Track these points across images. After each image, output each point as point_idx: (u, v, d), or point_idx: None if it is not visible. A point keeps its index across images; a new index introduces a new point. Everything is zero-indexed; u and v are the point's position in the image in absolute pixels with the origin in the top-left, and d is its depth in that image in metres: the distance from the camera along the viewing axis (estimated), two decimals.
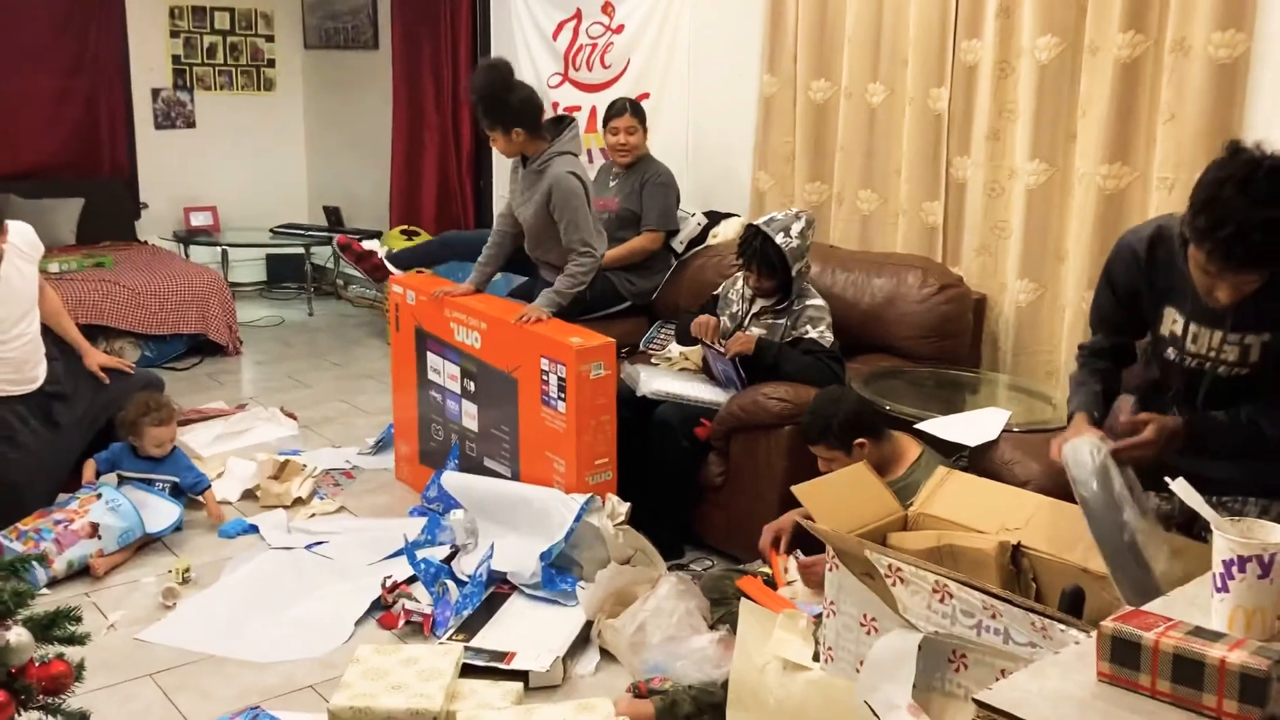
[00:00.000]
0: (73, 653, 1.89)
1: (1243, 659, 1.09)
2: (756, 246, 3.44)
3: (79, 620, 1.89)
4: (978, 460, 2.93)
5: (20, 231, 3.71)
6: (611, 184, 4.56)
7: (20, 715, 1.74)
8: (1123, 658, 1.16)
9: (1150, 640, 1.15)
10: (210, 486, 3.83)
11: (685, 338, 3.74)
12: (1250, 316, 1.99)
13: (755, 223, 3.53)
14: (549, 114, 3.98)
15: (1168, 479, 1.57)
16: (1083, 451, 2.04)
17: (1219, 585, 1.28)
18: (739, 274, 3.63)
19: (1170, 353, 2.14)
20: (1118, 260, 2.22)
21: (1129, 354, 2.35)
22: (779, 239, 3.39)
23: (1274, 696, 1.10)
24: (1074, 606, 1.95)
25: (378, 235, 6.84)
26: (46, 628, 1.79)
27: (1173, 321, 2.12)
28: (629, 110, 4.49)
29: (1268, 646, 1.14)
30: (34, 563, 1.90)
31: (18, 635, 1.68)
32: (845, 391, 3.08)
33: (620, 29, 5.16)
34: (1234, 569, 1.26)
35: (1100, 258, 3.41)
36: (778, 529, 3.01)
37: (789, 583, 2.88)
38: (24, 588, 1.72)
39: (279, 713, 2.66)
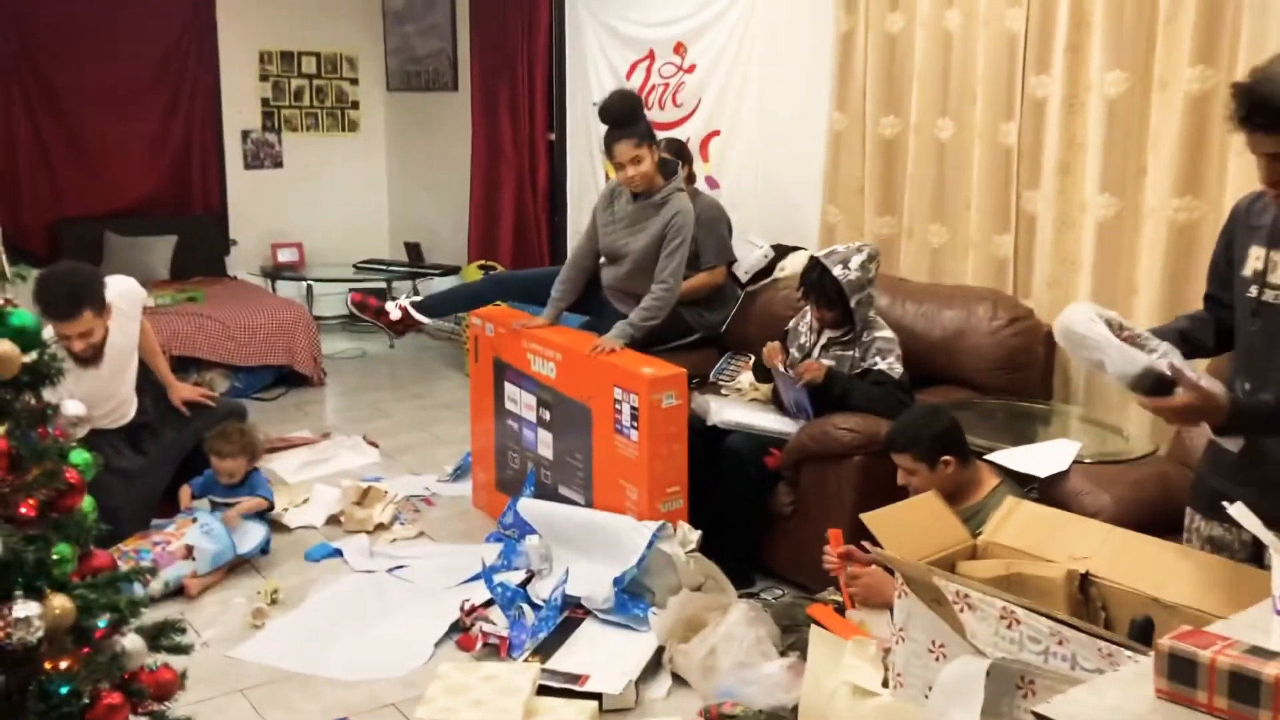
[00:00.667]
0: (175, 664, 2.01)
1: None
2: (814, 278, 3.50)
3: (183, 632, 2.01)
4: (1048, 491, 2.94)
5: (121, 290, 3.83)
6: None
7: (130, 719, 1.86)
8: (1180, 675, 1.20)
9: (1207, 658, 1.18)
10: (270, 504, 3.92)
11: (762, 372, 3.80)
12: None
13: (816, 254, 3.60)
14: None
15: (1225, 504, 1.60)
16: (1077, 309, 2.07)
17: (1279, 607, 1.31)
18: (808, 307, 3.69)
19: (1252, 291, 2.10)
20: (1235, 207, 2.24)
21: (1227, 308, 2.29)
22: (836, 271, 3.45)
23: None
24: (1143, 636, 1.96)
25: (456, 270, 7.02)
26: (154, 637, 1.91)
27: (1256, 258, 2.10)
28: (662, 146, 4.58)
29: None
30: (133, 581, 2.01)
31: (133, 641, 1.81)
32: (940, 409, 3.09)
33: (692, 69, 5.28)
34: None
35: (1171, 291, 3.43)
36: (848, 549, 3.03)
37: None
38: (138, 597, 1.85)
39: None
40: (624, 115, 3.76)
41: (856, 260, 3.47)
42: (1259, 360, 2.11)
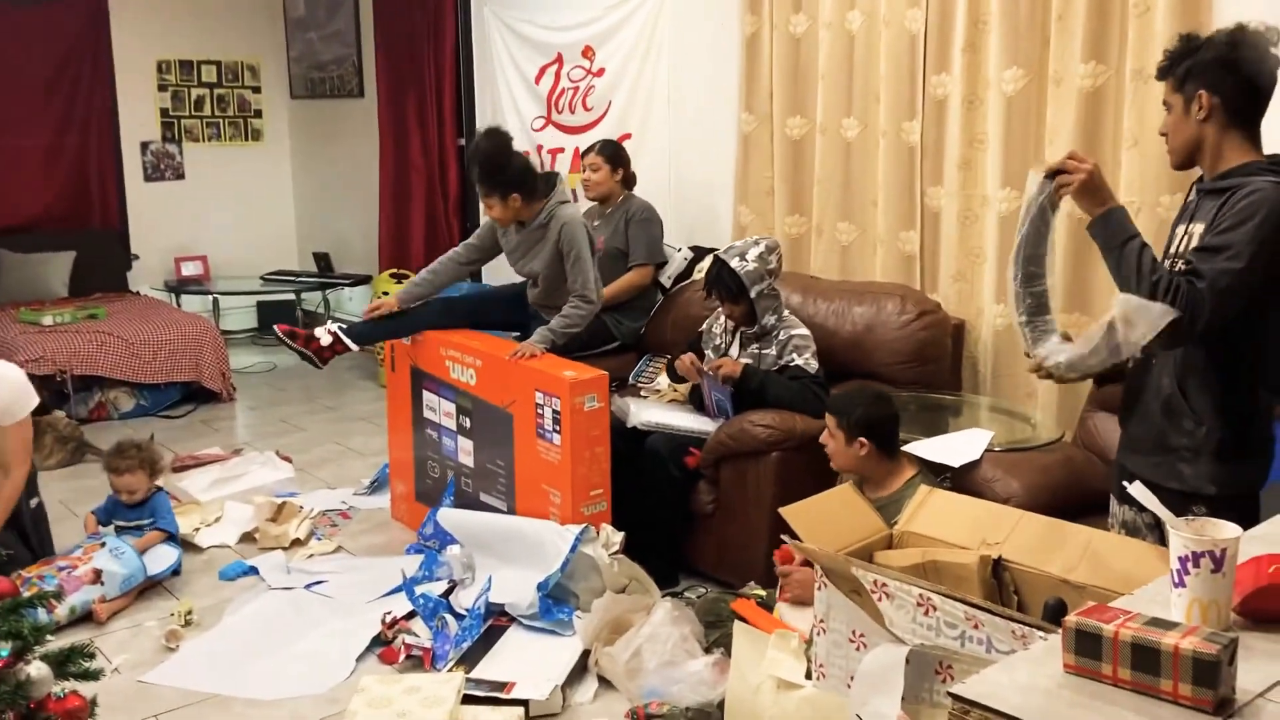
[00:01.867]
0: (85, 690, 1.95)
1: (1195, 644, 1.17)
2: (715, 274, 3.56)
3: (92, 657, 1.95)
4: (961, 480, 3.01)
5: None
6: (596, 224, 4.67)
7: None
8: (1086, 649, 1.24)
9: (1110, 631, 1.22)
10: (171, 534, 3.78)
11: (676, 376, 3.83)
12: (1202, 208, 2.13)
13: (716, 251, 3.66)
14: (534, 158, 4.08)
15: (1125, 483, 1.66)
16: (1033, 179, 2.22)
17: (1176, 580, 1.36)
18: (720, 309, 3.72)
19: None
20: None
21: None
22: (734, 264, 3.51)
23: (1225, 678, 1.18)
24: (1057, 617, 2.01)
25: (368, 279, 6.92)
26: (61, 664, 1.86)
27: (1177, 238, 2.23)
28: (596, 149, 4.65)
29: (1218, 633, 1.22)
30: (37, 606, 1.95)
31: (38, 669, 1.75)
32: (888, 398, 3.12)
33: (601, 72, 5.29)
34: (1189, 564, 1.34)
35: (1073, 280, 3.54)
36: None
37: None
38: (43, 623, 1.79)
39: None
40: (486, 170, 3.83)
41: (754, 252, 3.53)
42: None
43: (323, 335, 3.98)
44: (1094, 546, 2.20)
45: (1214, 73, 2.08)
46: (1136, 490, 1.52)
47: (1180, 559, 1.34)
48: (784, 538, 2.40)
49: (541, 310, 4.04)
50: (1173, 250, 2.21)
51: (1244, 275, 1.99)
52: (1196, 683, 1.17)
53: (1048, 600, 2.07)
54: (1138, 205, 3.32)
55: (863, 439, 2.94)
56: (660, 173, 5.05)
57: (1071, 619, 1.26)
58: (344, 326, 4.03)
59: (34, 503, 3.65)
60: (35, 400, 3.47)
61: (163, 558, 3.65)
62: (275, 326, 4.14)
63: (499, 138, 3.90)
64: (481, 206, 4.08)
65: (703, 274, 4.53)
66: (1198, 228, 2.13)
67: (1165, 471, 2.17)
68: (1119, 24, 3.36)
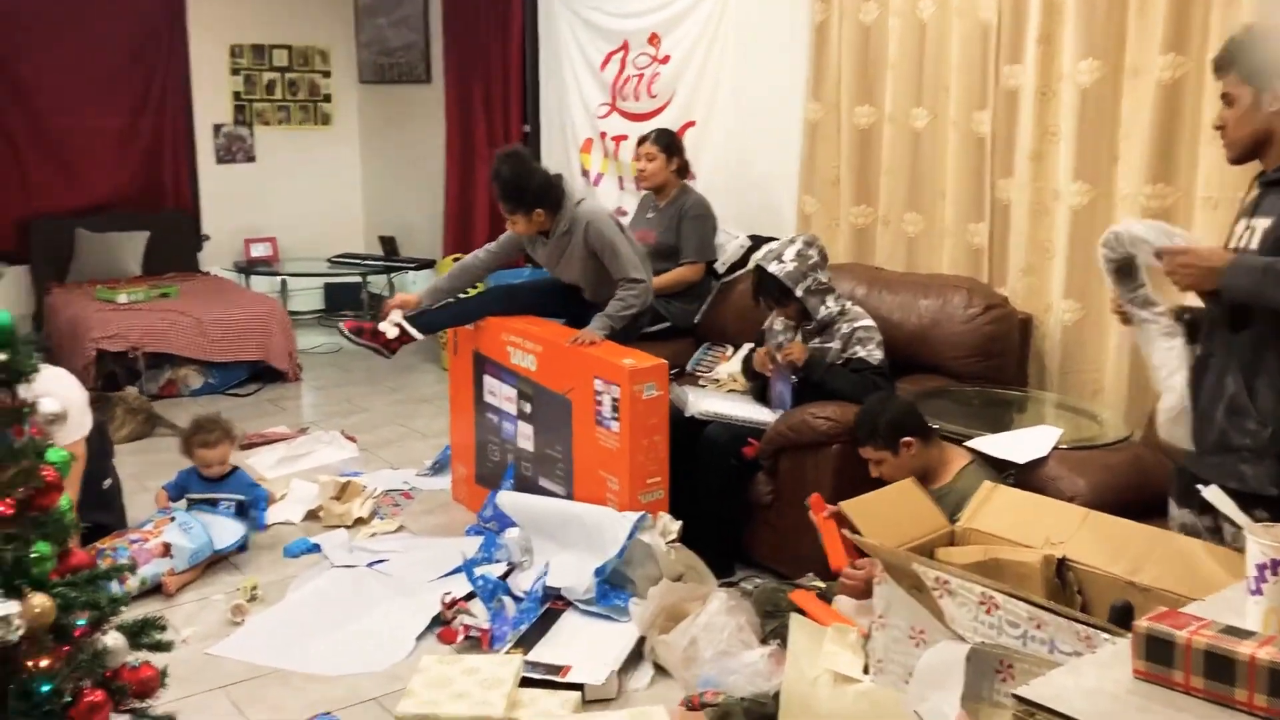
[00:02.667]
0: (156, 661, 2.00)
1: (1272, 655, 1.15)
2: (756, 280, 3.55)
3: (164, 629, 2.00)
4: (1025, 477, 2.97)
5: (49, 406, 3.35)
6: (650, 216, 4.68)
7: (112, 717, 1.85)
8: (1157, 655, 1.22)
9: (1183, 638, 1.20)
10: (267, 498, 3.97)
11: (752, 373, 3.82)
12: (1268, 201, 2.09)
13: (754, 258, 3.63)
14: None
15: (1200, 487, 1.62)
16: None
17: (1253, 588, 1.33)
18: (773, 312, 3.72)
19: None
20: None
21: None
22: (772, 267, 3.49)
23: None
24: (1123, 620, 1.98)
25: (432, 264, 7.00)
26: (135, 634, 1.91)
27: (1237, 236, 2.19)
28: (650, 139, 4.64)
29: None
30: (112, 578, 2.01)
31: (114, 639, 1.80)
32: (892, 395, 3.16)
33: (666, 59, 5.27)
34: (1268, 572, 1.31)
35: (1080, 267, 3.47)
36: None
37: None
38: (119, 595, 1.84)
39: None
40: (509, 193, 3.84)
41: (790, 252, 3.51)
42: (1218, 324, 2.18)
43: (388, 328, 4.02)
44: (1161, 548, 2.16)
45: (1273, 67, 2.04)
46: (1212, 494, 1.49)
47: (1258, 566, 1.31)
48: (844, 533, 2.39)
49: (596, 306, 4.06)
50: (1232, 246, 2.16)
51: None
52: (1273, 694, 1.14)
53: (1114, 602, 2.04)
54: (1215, 200, 3.24)
55: (905, 440, 2.93)
56: (723, 161, 5.03)
57: (1142, 624, 1.24)
58: (411, 316, 4.07)
59: (106, 484, 3.75)
60: (89, 425, 3.40)
61: (229, 533, 3.73)
62: (340, 326, 4.20)
63: (518, 160, 3.89)
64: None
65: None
66: (1262, 222, 2.08)
67: (1225, 471, 2.12)
68: (1202, 14, 3.27)
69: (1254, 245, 2.11)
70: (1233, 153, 2.17)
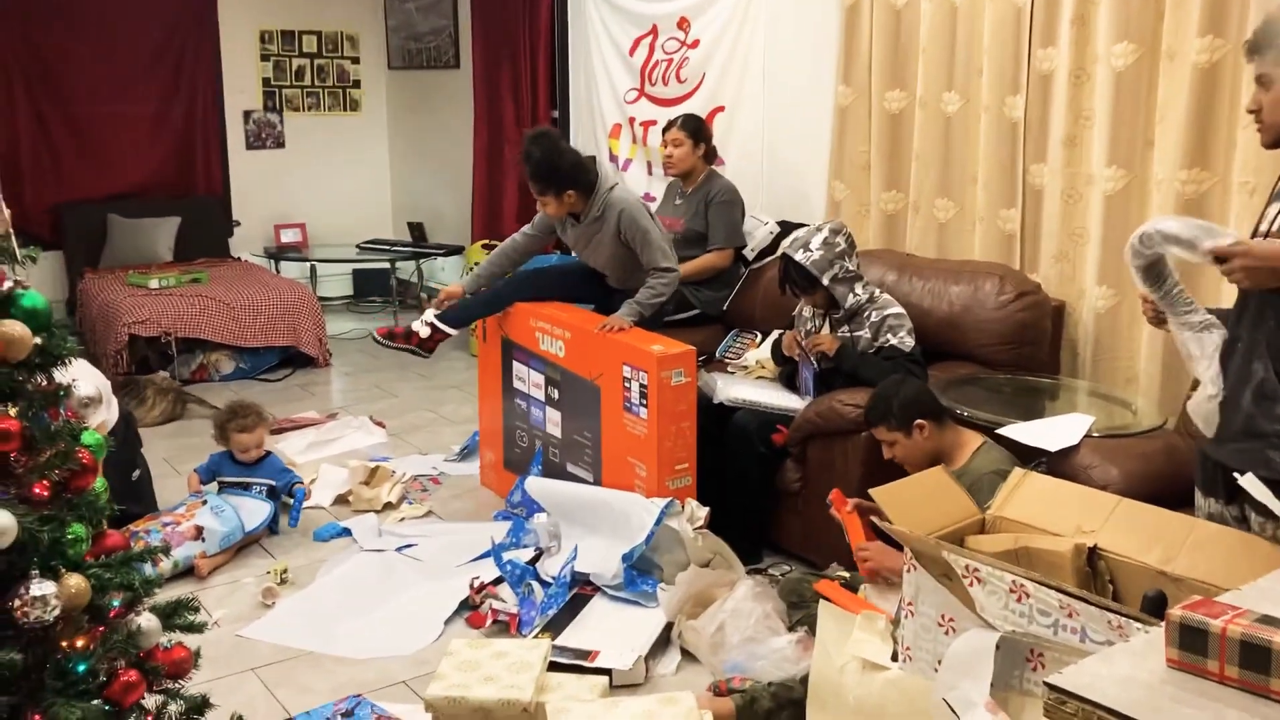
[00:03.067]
0: (189, 642, 2.02)
1: None
2: (783, 270, 3.54)
3: (197, 610, 2.02)
4: (1057, 465, 2.94)
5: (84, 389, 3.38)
6: (678, 203, 4.67)
7: (146, 698, 1.87)
8: (1191, 644, 1.21)
9: (1218, 627, 1.19)
10: (301, 483, 3.99)
11: (781, 358, 3.81)
12: None
13: (781, 247, 3.61)
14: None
15: (1236, 475, 1.60)
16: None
17: None
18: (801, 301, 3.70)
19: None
20: None
21: None
22: (799, 256, 3.47)
23: None
24: (1157, 610, 1.96)
25: (460, 250, 7.01)
26: (168, 616, 1.92)
27: (1267, 219, 2.15)
28: (678, 124, 4.62)
29: None
30: (146, 560, 2.02)
31: (148, 620, 1.82)
32: (908, 378, 3.15)
33: (695, 44, 5.25)
34: None
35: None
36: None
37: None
38: (152, 577, 1.86)
39: (378, 704, 2.79)
40: (541, 174, 3.83)
41: (817, 240, 3.49)
42: (1256, 310, 2.14)
43: (420, 328, 4.03)
44: (1194, 537, 2.14)
45: None
46: (1248, 482, 1.47)
47: None
48: (874, 520, 2.38)
49: (622, 293, 4.07)
50: (1263, 229, 2.13)
51: None
52: None
53: (1147, 592, 2.02)
54: (1253, 185, 3.20)
55: (919, 421, 2.92)
56: (753, 146, 5.00)
57: (1176, 613, 1.23)
58: (438, 314, 4.07)
59: (135, 474, 3.78)
60: (114, 418, 3.49)
61: (258, 514, 3.76)
62: (373, 334, 4.20)
63: (549, 141, 3.88)
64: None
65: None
66: None
67: (1252, 458, 2.09)
68: None
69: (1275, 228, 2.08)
70: (1268, 137, 2.13)
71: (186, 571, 3.52)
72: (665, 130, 4.70)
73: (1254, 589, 1.44)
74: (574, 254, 4.13)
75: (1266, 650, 1.15)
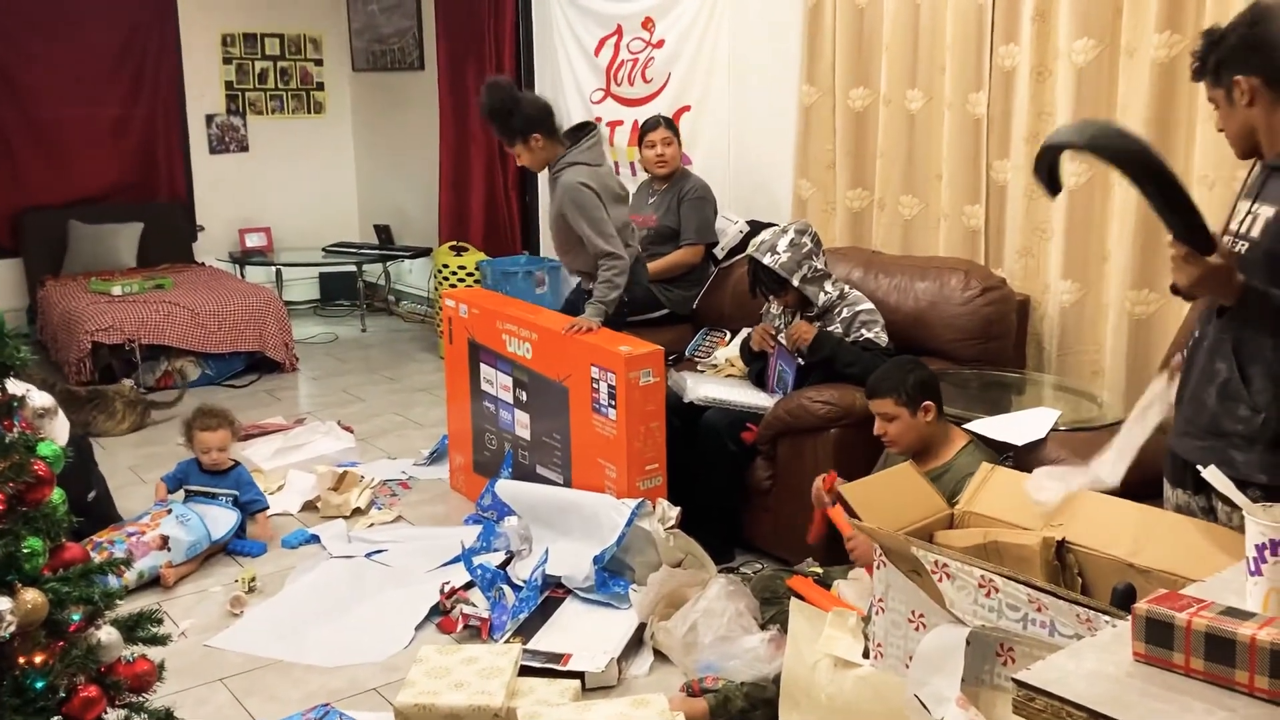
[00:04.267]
0: (152, 655, 1.99)
1: (1273, 636, 1.14)
2: (752, 273, 3.53)
3: (160, 622, 1.99)
4: (1024, 459, 2.95)
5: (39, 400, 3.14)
6: (650, 200, 4.67)
7: (108, 713, 1.84)
8: (1157, 638, 1.21)
9: (1183, 620, 1.19)
10: (266, 508, 3.92)
11: (750, 355, 3.81)
12: (1272, 188, 2.07)
13: (748, 250, 3.62)
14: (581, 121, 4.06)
15: (1200, 467, 1.61)
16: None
17: (1253, 569, 1.32)
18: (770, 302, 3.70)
19: (1225, 242, 2.15)
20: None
21: None
22: (767, 260, 3.48)
23: None
24: (1126, 603, 1.97)
25: (427, 252, 6.98)
26: (131, 629, 1.90)
27: (1237, 217, 2.17)
28: (663, 124, 4.63)
29: None
30: (108, 573, 1.99)
31: (108, 634, 1.79)
32: (919, 361, 3.12)
33: (660, 44, 5.24)
34: (1267, 552, 1.30)
35: (1142, 257, 3.45)
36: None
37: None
38: (113, 589, 1.83)
39: (348, 712, 2.76)
40: (498, 123, 3.86)
41: (783, 242, 3.49)
42: (1219, 308, 2.15)
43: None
44: (1161, 529, 2.15)
45: (1244, 55, 2.04)
46: (1211, 475, 1.48)
47: (1258, 547, 1.30)
48: (852, 523, 2.38)
49: (581, 278, 4.08)
50: (1234, 228, 2.14)
51: None
52: (1274, 675, 1.13)
53: (1116, 585, 2.03)
54: (1212, 180, 3.23)
55: (927, 402, 2.91)
56: (719, 145, 5.00)
57: (1142, 606, 1.23)
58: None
59: (91, 495, 3.69)
60: (64, 438, 3.31)
61: (223, 522, 3.71)
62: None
63: (499, 89, 3.88)
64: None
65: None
66: (1267, 209, 2.07)
67: (1215, 455, 2.11)
68: None
69: (1255, 233, 2.10)
70: (1236, 150, 2.16)
71: (152, 581, 3.47)
72: (648, 131, 4.66)
73: (1218, 580, 1.45)
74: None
75: (1231, 642, 1.16)
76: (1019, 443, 2.98)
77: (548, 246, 5.38)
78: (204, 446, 3.81)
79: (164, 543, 3.48)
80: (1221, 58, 2.06)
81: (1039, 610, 1.91)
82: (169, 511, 3.61)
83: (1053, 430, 3.01)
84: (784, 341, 3.57)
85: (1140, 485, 2.59)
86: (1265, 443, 2.06)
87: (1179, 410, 2.28)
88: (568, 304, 4.36)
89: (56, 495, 1.80)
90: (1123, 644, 1.26)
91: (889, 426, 2.95)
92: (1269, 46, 2.02)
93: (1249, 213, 2.11)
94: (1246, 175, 2.22)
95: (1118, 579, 2.06)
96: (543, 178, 6.08)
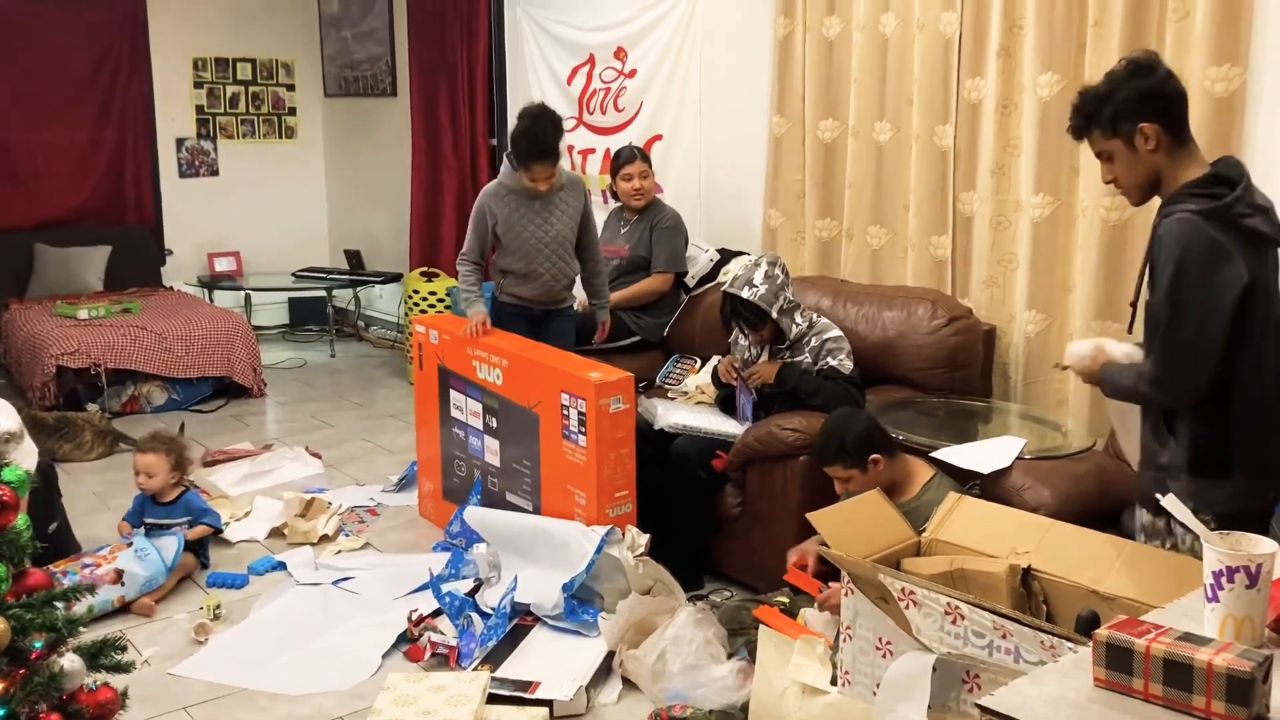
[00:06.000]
0: (115, 683, 1.97)
1: (1229, 661, 1.16)
2: (730, 310, 3.55)
3: (124, 650, 1.97)
4: (990, 488, 2.99)
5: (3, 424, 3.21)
6: (623, 230, 4.69)
7: None
8: (1117, 663, 1.23)
9: (1142, 646, 1.21)
10: (221, 527, 3.88)
11: (720, 384, 3.83)
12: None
13: (722, 287, 3.64)
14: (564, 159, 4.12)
15: (1159, 495, 1.64)
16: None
17: (1210, 595, 1.34)
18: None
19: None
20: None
21: None
22: (745, 294, 3.50)
23: (1259, 696, 1.17)
24: (1089, 630, 1.99)
25: (398, 278, 6.97)
26: (94, 656, 1.88)
27: None
28: (639, 156, 4.65)
29: (1252, 650, 1.21)
30: (70, 599, 1.96)
31: (71, 661, 1.77)
32: (856, 411, 3.16)
33: (633, 73, 5.29)
34: (1223, 579, 1.32)
35: (1106, 287, 3.51)
36: (802, 553, 3.08)
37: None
38: (76, 616, 1.81)
39: None
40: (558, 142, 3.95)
41: (759, 275, 3.52)
42: None
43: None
44: (1124, 557, 2.19)
45: (1143, 103, 2.15)
46: (1169, 503, 1.51)
47: (1214, 574, 1.33)
48: (821, 550, 2.40)
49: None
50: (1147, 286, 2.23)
51: (1189, 335, 2.07)
52: (1230, 700, 1.15)
53: (1080, 612, 2.05)
54: None
55: (874, 456, 2.95)
56: (690, 175, 5.04)
57: (1102, 632, 1.25)
58: None
59: (53, 527, 3.63)
60: (33, 465, 3.30)
61: (171, 548, 3.62)
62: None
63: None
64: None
65: (729, 276, 4.54)
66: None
67: (1156, 487, 2.18)
68: (1156, 29, 3.32)
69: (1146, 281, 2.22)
70: (1134, 198, 2.26)
71: (119, 610, 3.42)
72: (623, 164, 4.65)
73: (1176, 607, 1.47)
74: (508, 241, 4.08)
75: (1189, 667, 1.18)
76: (985, 470, 3.01)
77: None
78: (135, 469, 3.76)
79: (118, 577, 3.41)
80: (1118, 109, 2.15)
81: (1004, 637, 1.93)
82: (129, 545, 3.56)
83: (1018, 458, 3.05)
84: (746, 380, 3.58)
85: (1100, 514, 2.64)
86: (1190, 474, 2.14)
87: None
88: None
89: (21, 521, 1.79)
90: (1084, 669, 1.27)
91: (847, 485, 2.99)
92: (1161, 95, 2.15)
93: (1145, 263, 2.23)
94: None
95: (1082, 605, 2.08)
96: None
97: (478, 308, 3.97)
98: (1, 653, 1.68)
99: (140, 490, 3.79)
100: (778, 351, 3.61)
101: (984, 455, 3.07)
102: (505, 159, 4.04)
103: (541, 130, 3.88)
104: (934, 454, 3.09)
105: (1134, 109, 2.14)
